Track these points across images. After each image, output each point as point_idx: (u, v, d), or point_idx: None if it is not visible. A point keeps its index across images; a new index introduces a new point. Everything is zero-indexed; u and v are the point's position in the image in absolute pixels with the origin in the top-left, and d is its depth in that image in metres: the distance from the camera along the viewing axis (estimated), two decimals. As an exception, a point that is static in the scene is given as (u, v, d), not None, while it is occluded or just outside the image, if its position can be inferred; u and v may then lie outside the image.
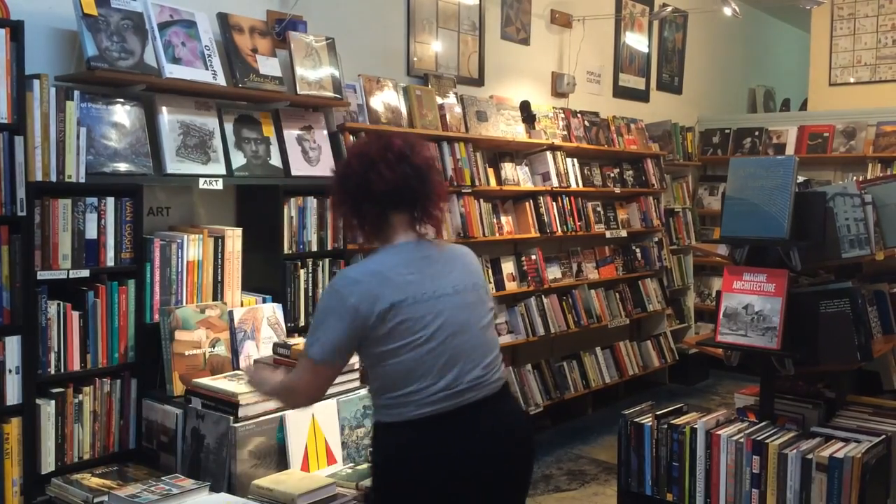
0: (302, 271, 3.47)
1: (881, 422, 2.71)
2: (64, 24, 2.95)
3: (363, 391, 3.03)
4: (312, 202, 3.51)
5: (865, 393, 3.02)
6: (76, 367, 2.79)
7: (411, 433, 1.99)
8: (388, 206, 2.03)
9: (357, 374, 3.07)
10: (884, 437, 2.51)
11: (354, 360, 3.04)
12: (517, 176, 4.80)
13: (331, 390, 2.91)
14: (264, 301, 3.31)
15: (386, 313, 1.96)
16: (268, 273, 3.40)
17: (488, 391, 2.05)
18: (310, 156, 3.60)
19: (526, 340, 4.74)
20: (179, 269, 3.05)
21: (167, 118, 3.13)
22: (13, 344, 2.62)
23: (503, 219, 4.71)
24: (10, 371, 2.62)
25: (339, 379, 2.96)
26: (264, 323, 3.21)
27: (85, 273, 2.79)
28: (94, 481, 2.66)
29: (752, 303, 2.64)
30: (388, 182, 2.00)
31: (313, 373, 2.05)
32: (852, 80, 6.89)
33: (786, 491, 2.40)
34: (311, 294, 3.51)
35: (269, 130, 3.49)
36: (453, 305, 2.03)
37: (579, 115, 5.38)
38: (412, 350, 1.98)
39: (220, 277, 3.18)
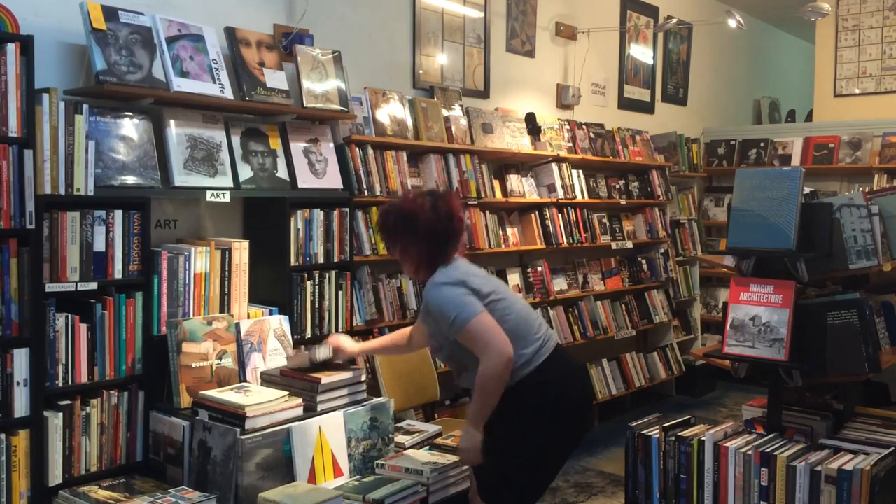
0: (308, 283, 3.48)
1: (890, 434, 2.70)
2: (73, 38, 2.98)
3: (369, 403, 3.03)
4: (319, 214, 3.52)
5: (873, 404, 3.01)
6: (84, 379, 2.80)
7: (547, 367, 2.60)
8: (457, 242, 2.75)
9: (364, 386, 3.07)
10: (893, 448, 2.50)
11: (360, 369, 3.07)
12: (523, 188, 4.81)
13: (337, 402, 2.95)
14: (271, 313, 3.32)
15: (486, 295, 2.60)
16: (274, 285, 3.41)
17: (554, 342, 2.74)
18: (316, 168, 3.62)
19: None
20: (187, 282, 3.06)
21: (175, 131, 3.14)
22: (21, 356, 2.63)
23: (509, 230, 4.72)
24: (18, 383, 2.63)
25: (344, 391, 2.98)
26: (271, 335, 3.22)
27: (93, 286, 2.80)
28: (102, 494, 2.66)
29: (759, 314, 2.64)
30: (462, 228, 2.76)
31: (483, 323, 2.52)
32: (857, 91, 6.89)
33: (795, 503, 2.39)
34: (317, 306, 3.51)
35: (275, 143, 3.51)
36: (506, 289, 2.78)
37: (584, 127, 5.39)
38: (511, 319, 2.61)
39: (227, 290, 3.19)
